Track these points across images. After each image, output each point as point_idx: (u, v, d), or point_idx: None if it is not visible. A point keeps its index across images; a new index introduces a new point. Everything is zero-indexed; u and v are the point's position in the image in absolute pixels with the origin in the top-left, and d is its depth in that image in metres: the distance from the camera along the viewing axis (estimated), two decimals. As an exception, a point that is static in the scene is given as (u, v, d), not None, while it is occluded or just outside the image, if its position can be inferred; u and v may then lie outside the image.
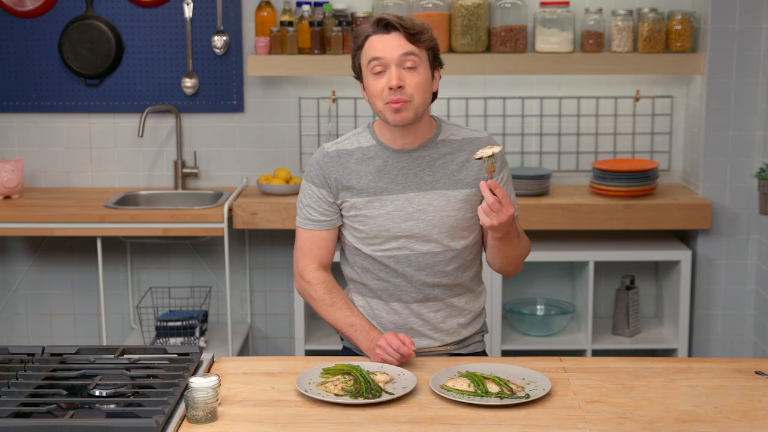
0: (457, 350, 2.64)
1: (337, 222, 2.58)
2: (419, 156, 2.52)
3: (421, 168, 2.51)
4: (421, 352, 2.60)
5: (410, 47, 2.42)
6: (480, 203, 2.50)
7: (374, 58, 2.42)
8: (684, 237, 4.33)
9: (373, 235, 2.52)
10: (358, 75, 2.51)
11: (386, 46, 2.41)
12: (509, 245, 2.50)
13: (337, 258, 2.68)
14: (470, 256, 2.59)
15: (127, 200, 4.33)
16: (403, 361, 2.41)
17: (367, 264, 2.57)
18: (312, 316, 4.41)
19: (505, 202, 2.32)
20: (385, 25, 2.42)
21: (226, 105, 4.40)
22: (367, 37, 2.44)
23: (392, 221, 2.50)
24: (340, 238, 2.65)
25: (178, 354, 2.44)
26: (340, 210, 2.57)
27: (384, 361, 2.41)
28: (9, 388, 2.20)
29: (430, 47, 2.46)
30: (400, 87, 2.40)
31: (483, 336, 2.71)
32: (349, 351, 2.68)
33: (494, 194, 2.30)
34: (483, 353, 2.70)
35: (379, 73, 2.42)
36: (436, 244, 2.52)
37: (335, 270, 2.70)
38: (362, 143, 2.54)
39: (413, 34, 2.42)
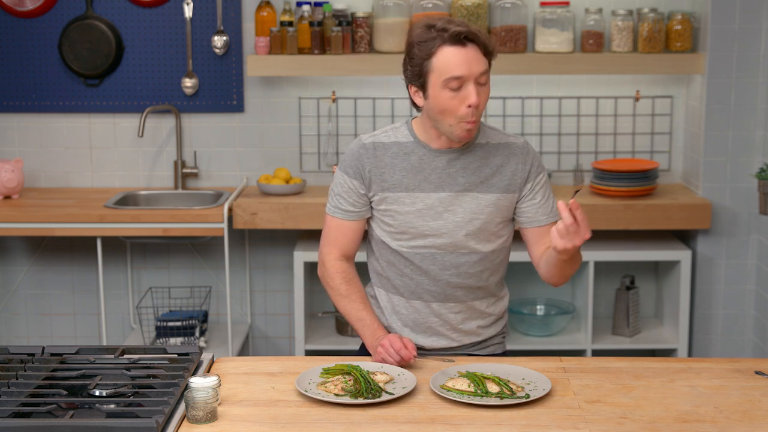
0: (475, 351, 2.64)
1: (366, 214, 2.57)
2: (455, 158, 2.50)
3: (456, 169, 2.50)
4: (438, 352, 2.61)
5: (486, 63, 2.37)
6: (509, 207, 2.52)
7: (455, 77, 2.34)
8: (684, 237, 4.33)
9: (401, 231, 2.52)
10: (416, 80, 2.41)
11: (467, 63, 2.34)
12: (571, 265, 2.47)
13: (363, 251, 2.69)
14: (497, 260, 2.59)
15: (127, 200, 4.33)
16: (403, 365, 2.41)
17: (392, 258, 2.56)
18: (312, 316, 4.42)
19: (584, 225, 2.27)
20: (463, 38, 2.33)
21: (226, 105, 4.40)
22: (439, 47, 2.35)
23: (422, 219, 2.50)
24: (367, 231, 2.64)
25: (178, 354, 2.44)
26: (371, 202, 2.56)
27: (383, 360, 2.41)
28: (9, 388, 2.20)
29: (493, 57, 2.41)
30: (477, 105, 2.37)
31: (504, 338, 2.71)
32: (365, 352, 2.65)
33: (574, 216, 2.26)
34: (503, 355, 2.68)
35: (455, 88, 2.36)
36: (463, 245, 2.52)
37: (361, 266, 2.70)
38: (399, 138, 2.52)
39: (488, 49, 2.36)
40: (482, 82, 2.37)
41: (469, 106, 2.36)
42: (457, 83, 2.35)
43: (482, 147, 2.52)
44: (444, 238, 2.51)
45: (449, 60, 2.35)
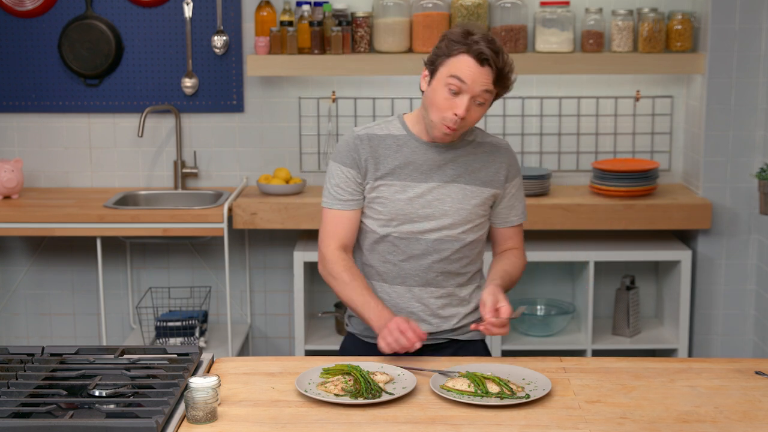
0: (455, 336, 2.69)
1: (363, 203, 2.65)
2: (445, 151, 2.63)
3: (446, 162, 2.62)
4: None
5: (491, 86, 2.50)
6: (490, 201, 2.66)
7: (457, 78, 2.47)
8: (684, 237, 4.33)
9: (391, 218, 2.61)
10: (430, 65, 2.55)
11: (474, 77, 2.47)
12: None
13: None
14: (476, 251, 2.69)
15: (126, 200, 4.33)
16: (408, 349, 2.42)
17: (377, 245, 2.64)
18: (312, 316, 4.41)
19: (502, 325, 2.49)
20: (482, 58, 2.46)
21: (226, 105, 4.40)
22: (462, 53, 2.47)
23: (411, 206, 2.60)
24: None
25: (178, 354, 2.44)
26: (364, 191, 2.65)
27: (387, 344, 2.43)
28: (9, 388, 2.20)
29: (504, 90, 2.54)
30: (462, 118, 2.50)
31: None
32: (352, 337, 2.73)
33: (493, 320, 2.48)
34: (482, 342, 2.76)
35: (454, 92, 2.48)
36: (447, 232, 2.61)
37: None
38: (392, 131, 2.65)
39: (502, 76, 2.49)
40: (480, 101, 2.50)
41: (455, 114, 2.49)
42: (456, 86, 2.47)
43: (470, 143, 2.65)
44: (431, 224, 2.60)
45: (462, 65, 2.47)
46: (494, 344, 4.11)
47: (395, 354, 2.49)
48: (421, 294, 2.64)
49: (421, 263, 2.62)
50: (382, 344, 2.44)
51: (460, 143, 2.63)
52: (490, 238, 2.75)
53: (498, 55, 2.47)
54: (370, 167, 2.61)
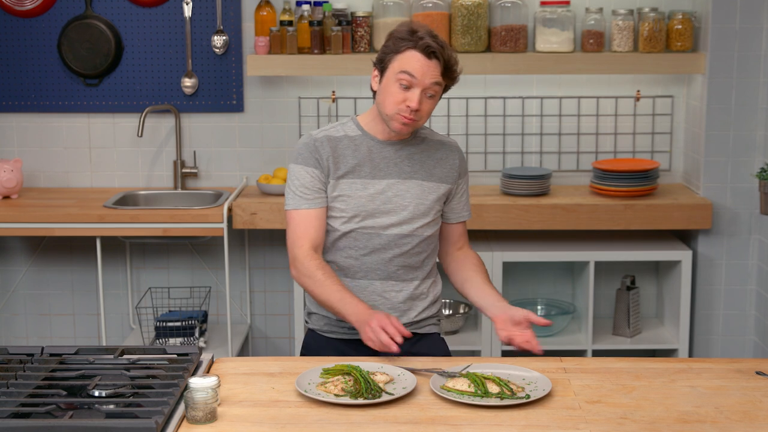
0: (413, 329, 2.74)
1: (327, 202, 2.69)
2: (400, 148, 2.72)
3: (402, 159, 2.71)
4: None
5: (440, 78, 2.60)
6: (444, 197, 2.77)
7: (408, 73, 2.57)
8: (685, 237, 4.33)
9: (353, 214, 2.67)
10: (379, 64, 2.64)
11: (423, 70, 2.57)
12: None
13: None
14: (432, 246, 2.77)
15: (126, 200, 4.32)
16: (389, 346, 2.42)
17: (339, 242, 2.70)
18: (312, 316, 4.41)
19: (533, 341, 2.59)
20: (430, 52, 2.56)
21: (225, 105, 4.39)
22: (409, 49, 2.58)
23: (372, 202, 2.67)
24: None
25: (178, 354, 2.44)
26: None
27: (372, 342, 2.44)
28: (8, 388, 2.20)
29: (452, 82, 2.65)
30: (417, 110, 2.58)
31: (439, 320, 2.84)
32: (313, 333, 2.77)
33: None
34: (437, 335, 2.82)
35: (405, 86, 2.58)
36: (408, 227, 2.69)
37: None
38: (348, 132, 2.71)
39: (449, 68, 2.60)
40: (430, 93, 2.60)
41: (408, 106, 2.58)
42: (407, 80, 2.57)
43: (423, 141, 2.75)
44: (392, 219, 2.68)
45: (410, 60, 2.58)
46: (494, 344, 4.11)
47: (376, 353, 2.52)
48: (383, 287, 2.70)
49: (383, 257, 2.68)
50: (368, 341, 2.46)
51: (413, 140, 2.72)
52: (441, 236, 2.82)
53: (444, 49, 2.58)
54: (331, 166, 2.66)
